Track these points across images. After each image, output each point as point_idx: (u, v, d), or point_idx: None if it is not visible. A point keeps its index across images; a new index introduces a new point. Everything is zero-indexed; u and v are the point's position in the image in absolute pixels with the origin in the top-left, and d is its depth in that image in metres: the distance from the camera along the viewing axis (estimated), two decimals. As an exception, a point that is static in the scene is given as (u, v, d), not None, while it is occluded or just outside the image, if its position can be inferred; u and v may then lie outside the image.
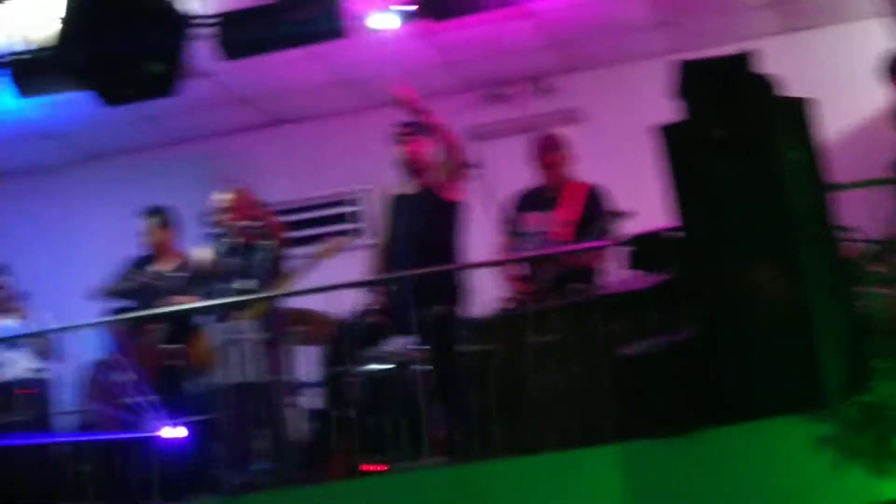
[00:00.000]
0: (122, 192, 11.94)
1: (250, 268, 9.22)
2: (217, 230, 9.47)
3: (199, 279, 9.49)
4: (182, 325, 9.51)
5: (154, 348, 9.29)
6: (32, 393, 9.23)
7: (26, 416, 9.02)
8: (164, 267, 9.90)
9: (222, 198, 9.52)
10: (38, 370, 9.61)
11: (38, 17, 9.53)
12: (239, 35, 9.20)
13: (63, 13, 8.87)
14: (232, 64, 9.77)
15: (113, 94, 8.63)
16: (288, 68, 10.90)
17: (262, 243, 9.35)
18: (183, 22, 8.39)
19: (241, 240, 9.39)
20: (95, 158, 12.49)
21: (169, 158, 12.31)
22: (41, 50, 9.54)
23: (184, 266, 9.82)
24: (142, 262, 10.02)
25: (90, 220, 12.33)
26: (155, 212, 10.07)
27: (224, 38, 9.20)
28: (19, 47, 9.69)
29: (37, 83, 9.68)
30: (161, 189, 11.33)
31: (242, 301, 8.92)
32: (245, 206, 9.49)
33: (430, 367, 8.48)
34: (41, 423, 9.07)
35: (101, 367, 9.36)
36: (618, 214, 8.80)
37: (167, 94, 8.41)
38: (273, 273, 9.21)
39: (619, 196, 9.05)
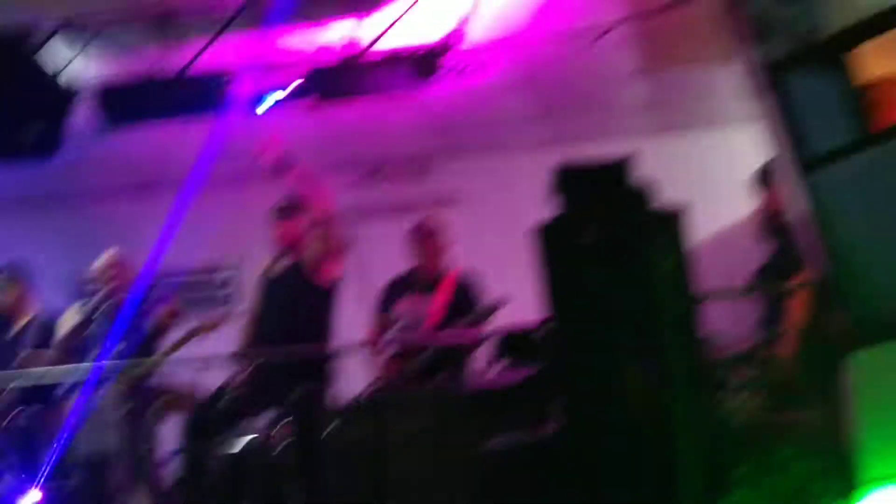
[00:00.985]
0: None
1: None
2: (93, 294, 9.35)
3: (67, 340, 9.37)
4: (42, 387, 9.37)
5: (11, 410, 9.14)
6: None
7: None
8: (18, 325, 9.76)
9: (101, 262, 9.41)
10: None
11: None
12: (121, 105, 9.14)
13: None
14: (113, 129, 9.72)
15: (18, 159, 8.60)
16: (169, 135, 10.83)
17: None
18: (65, 92, 8.37)
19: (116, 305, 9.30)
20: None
21: (40, 216, 12.18)
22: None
23: (39, 325, 9.68)
24: None
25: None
26: (4, 268, 9.90)
27: (105, 107, 9.14)
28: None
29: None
30: (35, 245, 11.21)
31: (114, 368, 8.84)
32: (123, 272, 9.40)
33: (293, 446, 8.43)
34: None
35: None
36: (489, 305, 8.89)
37: (45, 157, 8.37)
38: (148, 343, 9.15)
39: (493, 280, 9.14)
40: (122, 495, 8.61)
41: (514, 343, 8.57)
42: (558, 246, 7.14)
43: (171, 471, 9.02)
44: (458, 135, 11.35)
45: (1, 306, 9.85)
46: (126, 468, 8.56)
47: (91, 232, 11.64)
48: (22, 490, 8.65)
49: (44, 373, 9.18)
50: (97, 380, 8.81)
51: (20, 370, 9.25)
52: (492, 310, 8.91)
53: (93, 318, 9.24)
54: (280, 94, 9.63)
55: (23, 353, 9.51)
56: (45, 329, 9.69)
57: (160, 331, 9.27)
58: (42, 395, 9.38)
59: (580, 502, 7.11)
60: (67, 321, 9.40)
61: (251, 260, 11.23)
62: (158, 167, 11.70)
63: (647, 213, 6.97)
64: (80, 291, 9.75)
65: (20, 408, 9.23)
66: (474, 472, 7.82)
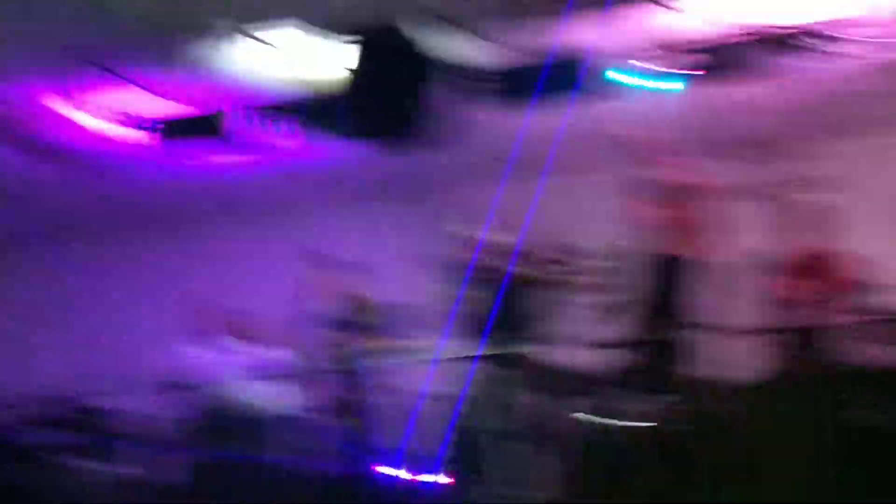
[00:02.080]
0: (377, 234, 12.07)
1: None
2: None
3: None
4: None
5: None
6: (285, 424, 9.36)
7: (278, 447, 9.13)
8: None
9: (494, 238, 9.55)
10: (287, 402, 9.77)
11: (325, 65, 9.74)
12: (486, 87, 9.25)
13: (353, 63, 9.11)
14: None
15: (375, 140, 8.84)
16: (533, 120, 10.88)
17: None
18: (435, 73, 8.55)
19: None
20: (358, 200, 12.68)
21: (409, 203, 12.44)
22: (327, 97, 9.75)
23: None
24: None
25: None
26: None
27: (470, 90, 9.24)
28: (305, 93, 9.90)
29: (321, 128, 9.87)
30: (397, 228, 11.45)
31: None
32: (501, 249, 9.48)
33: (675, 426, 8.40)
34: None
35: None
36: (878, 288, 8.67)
37: (417, 139, 8.56)
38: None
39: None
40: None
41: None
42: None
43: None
44: (833, 114, 11.01)
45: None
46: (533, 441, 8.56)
47: (464, 217, 11.84)
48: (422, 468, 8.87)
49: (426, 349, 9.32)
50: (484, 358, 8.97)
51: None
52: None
53: (477, 296, 9.34)
54: (650, 76, 9.56)
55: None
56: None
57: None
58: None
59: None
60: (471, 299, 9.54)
61: (625, 244, 11.32)
62: (517, 149, 11.79)
63: None
64: (443, 272, 9.86)
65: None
66: (851, 452, 7.68)
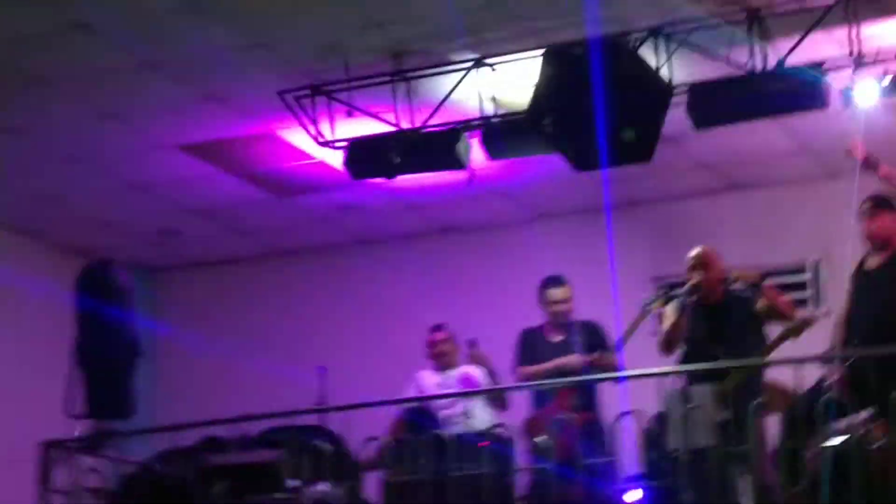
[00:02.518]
0: (575, 251, 12.08)
1: (722, 331, 9.23)
2: (683, 289, 9.46)
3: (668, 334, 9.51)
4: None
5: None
6: (490, 446, 9.41)
7: (486, 468, 9.20)
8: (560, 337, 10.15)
9: (692, 254, 9.46)
10: (495, 423, 9.83)
11: (510, 82, 9.85)
12: (710, 106, 9.19)
13: (537, 79, 9.18)
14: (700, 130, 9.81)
15: (584, 160, 8.87)
16: (749, 135, 10.84)
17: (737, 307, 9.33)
18: (664, 90, 8.49)
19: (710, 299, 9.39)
20: (550, 217, 12.76)
21: (622, 220, 12.43)
22: (513, 114, 9.86)
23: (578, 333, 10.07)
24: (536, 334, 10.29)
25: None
26: (562, 279, 10.28)
27: (694, 108, 9.21)
28: (491, 111, 10.02)
29: (505, 146, 9.98)
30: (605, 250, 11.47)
31: (718, 368, 8.94)
32: (717, 264, 9.47)
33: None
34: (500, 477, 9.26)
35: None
36: None
37: (642, 160, 8.54)
38: (749, 339, 9.19)
39: None
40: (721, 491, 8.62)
41: None
42: None
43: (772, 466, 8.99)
44: None
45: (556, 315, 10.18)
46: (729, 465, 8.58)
47: (672, 233, 11.85)
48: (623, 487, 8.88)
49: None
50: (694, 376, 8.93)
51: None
52: None
53: (689, 313, 9.32)
54: (873, 88, 9.41)
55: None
56: (594, 333, 10.05)
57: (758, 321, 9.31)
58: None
59: None
60: (668, 317, 9.54)
61: (834, 258, 11.20)
62: (738, 168, 11.78)
63: None
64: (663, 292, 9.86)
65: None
66: None
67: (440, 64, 9.82)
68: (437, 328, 10.76)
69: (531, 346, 10.20)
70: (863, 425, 8.86)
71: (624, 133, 8.58)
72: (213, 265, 13.77)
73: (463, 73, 9.74)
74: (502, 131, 9.93)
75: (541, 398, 9.95)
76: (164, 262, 13.76)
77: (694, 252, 9.46)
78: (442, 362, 10.62)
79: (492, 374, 10.45)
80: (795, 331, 9.14)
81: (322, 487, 9.37)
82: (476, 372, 10.47)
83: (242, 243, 13.44)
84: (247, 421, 9.62)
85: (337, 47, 9.51)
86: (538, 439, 9.39)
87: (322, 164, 11.39)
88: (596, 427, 9.70)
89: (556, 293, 10.24)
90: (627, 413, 9.01)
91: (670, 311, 9.51)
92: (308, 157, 11.30)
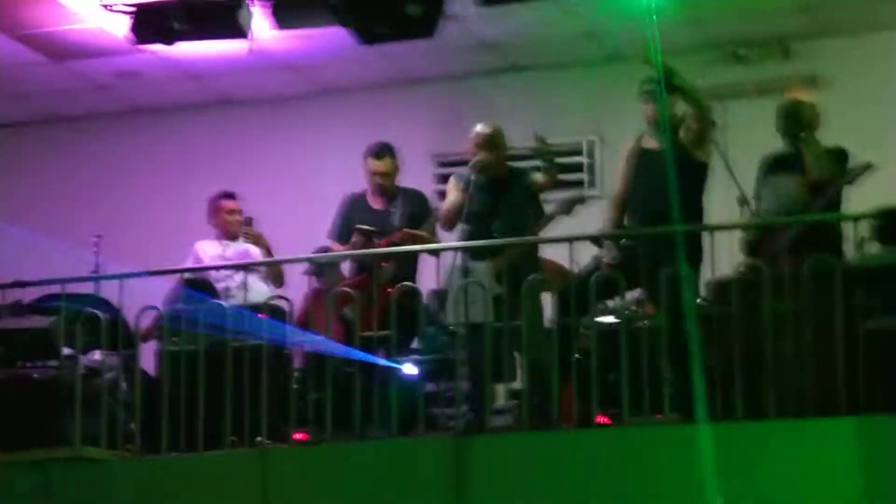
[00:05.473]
0: (358, 127, 12.07)
1: (501, 208, 9.32)
2: (469, 167, 9.42)
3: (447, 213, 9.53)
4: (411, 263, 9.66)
5: (384, 285, 9.36)
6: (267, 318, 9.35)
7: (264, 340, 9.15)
8: (382, 205, 10.01)
9: (480, 132, 9.42)
10: (271, 297, 9.79)
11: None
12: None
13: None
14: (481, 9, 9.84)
15: (369, 32, 8.82)
16: (532, 15, 10.91)
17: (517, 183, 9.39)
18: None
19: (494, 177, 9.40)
20: (333, 93, 12.69)
21: (405, 97, 12.46)
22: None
23: (401, 203, 9.94)
24: (360, 200, 10.13)
25: (325, 152, 12.52)
26: (387, 149, 10.12)
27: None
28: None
29: (295, 17, 9.86)
30: (394, 127, 11.46)
31: (493, 245, 9.03)
32: (502, 144, 9.51)
33: (662, 325, 8.48)
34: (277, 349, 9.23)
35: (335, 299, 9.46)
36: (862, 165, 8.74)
37: (425, 35, 8.54)
38: (527, 216, 9.30)
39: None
40: (495, 366, 8.78)
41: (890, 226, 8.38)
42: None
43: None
44: (823, 14, 11.09)
45: (375, 185, 10.08)
46: (497, 343, 8.71)
47: (453, 111, 11.92)
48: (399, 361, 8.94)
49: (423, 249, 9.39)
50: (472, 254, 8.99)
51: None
52: (863, 169, 8.72)
53: (472, 191, 9.34)
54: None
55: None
56: (418, 203, 9.99)
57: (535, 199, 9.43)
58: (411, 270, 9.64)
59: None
60: (450, 192, 9.56)
61: (610, 140, 11.44)
62: (520, 49, 11.87)
63: None
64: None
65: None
66: (852, 353, 7.80)
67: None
68: (229, 196, 10.65)
69: (352, 211, 10.02)
70: (633, 305, 9.18)
71: (408, 7, 8.56)
72: (-14, 129, 13.41)
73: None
74: (290, 1, 9.82)
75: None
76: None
77: (481, 129, 9.47)
78: (229, 232, 10.55)
79: (269, 252, 10.41)
80: (566, 208, 9.33)
81: (97, 356, 9.27)
82: (255, 250, 10.43)
83: (16, 106, 13.08)
84: (19, 287, 9.41)
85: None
86: (346, 309, 9.34)
87: (101, 31, 11.14)
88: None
89: (374, 164, 10.00)
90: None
91: (453, 187, 9.56)
92: (85, 20, 11.03)
